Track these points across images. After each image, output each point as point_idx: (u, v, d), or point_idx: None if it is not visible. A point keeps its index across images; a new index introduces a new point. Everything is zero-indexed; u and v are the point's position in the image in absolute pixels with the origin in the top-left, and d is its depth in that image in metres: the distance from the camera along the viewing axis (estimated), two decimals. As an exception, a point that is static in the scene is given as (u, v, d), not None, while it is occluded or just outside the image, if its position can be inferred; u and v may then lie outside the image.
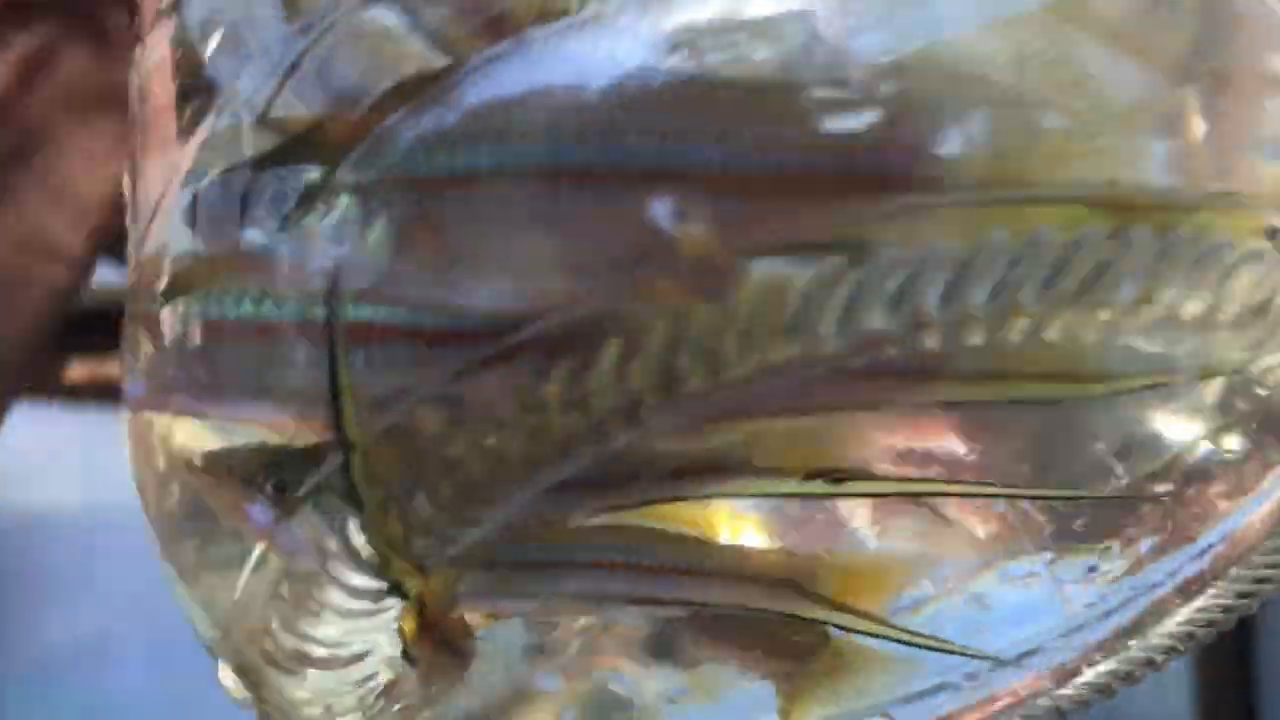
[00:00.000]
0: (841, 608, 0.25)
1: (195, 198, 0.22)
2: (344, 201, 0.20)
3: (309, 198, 0.20)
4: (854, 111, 0.18)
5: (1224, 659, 1.80)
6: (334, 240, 0.20)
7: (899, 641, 0.27)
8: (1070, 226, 0.18)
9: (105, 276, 1.78)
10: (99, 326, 1.95)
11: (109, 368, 2.39)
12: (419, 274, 0.19)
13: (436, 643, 0.23)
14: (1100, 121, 0.18)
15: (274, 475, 0.21)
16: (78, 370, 2.22)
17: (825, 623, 0.25)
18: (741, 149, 0.19)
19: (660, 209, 0.18)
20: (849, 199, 0.18)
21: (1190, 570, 0.28)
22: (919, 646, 0.27)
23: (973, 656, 0.27)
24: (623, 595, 0.25)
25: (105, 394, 2.47)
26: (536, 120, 0.19)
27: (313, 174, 0.20)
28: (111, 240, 1.42)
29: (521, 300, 0.19)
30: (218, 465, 0.23)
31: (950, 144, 0.18)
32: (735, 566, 0.25)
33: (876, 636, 0.27)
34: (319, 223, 0.20)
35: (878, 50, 0.18)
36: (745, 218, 0.18)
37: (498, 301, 0.19)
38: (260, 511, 0.22)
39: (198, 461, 0.23)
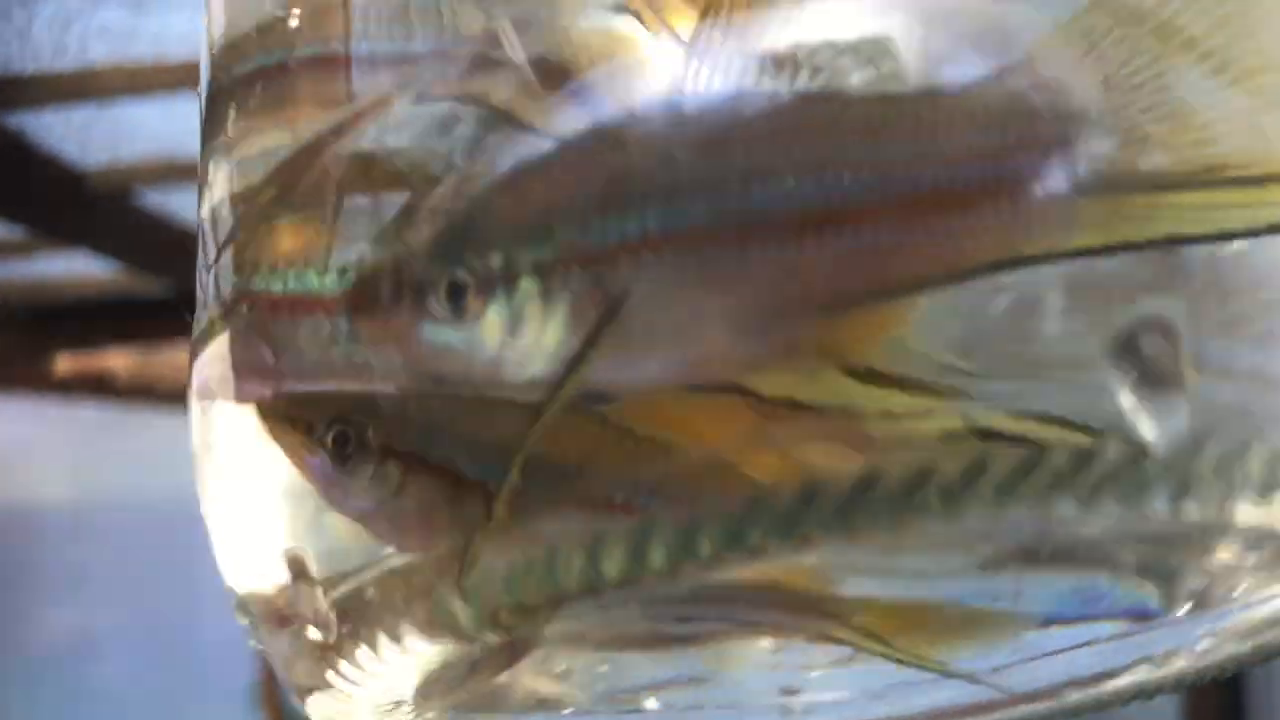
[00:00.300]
0: None
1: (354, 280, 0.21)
2: (524, 286, 0.20)
3: (487, 286, 0.20)
4: None
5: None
6: (512, 332, 0.20)
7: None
8: None
9: (89, 269, 1.77)
10: (86, 320, 1.94)
11: (97, 361, 2.39)
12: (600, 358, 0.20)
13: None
14: None
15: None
16: (65, 363, 2.22)
17: None
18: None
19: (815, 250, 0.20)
20: None
21: None
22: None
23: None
24: None
25: (94, 388, 2.47)
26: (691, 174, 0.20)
27: (493, 260, 0.20)
28: (89, 228, 1.41)
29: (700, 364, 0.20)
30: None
31: None
32: None
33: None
34: (500, 314, 0.20)
35: None
36: None
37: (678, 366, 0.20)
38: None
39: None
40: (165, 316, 2.10)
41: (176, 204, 1.51)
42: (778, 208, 0.20)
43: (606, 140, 0.20)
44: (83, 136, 1.32)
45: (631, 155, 0.20)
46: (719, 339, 0.20)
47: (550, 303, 0.20)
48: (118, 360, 2.54)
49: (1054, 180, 0.20)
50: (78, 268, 1.70)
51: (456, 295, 0.20)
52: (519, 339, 0.20)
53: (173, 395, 2.96)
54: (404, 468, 0.22)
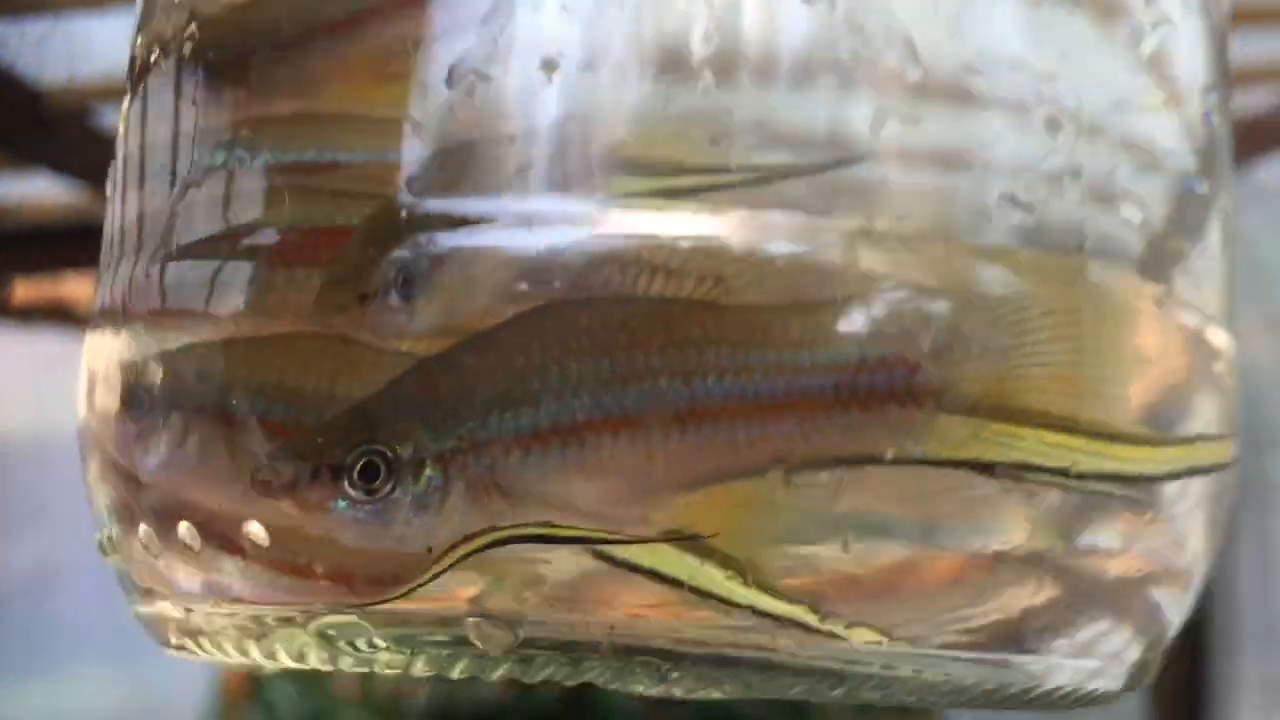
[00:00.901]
0: None
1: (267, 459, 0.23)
2: (429, 472, 0.23)
3: (395, 472, 0.23)
4: None
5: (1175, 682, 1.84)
6: (418, 509, 0.23)
7: None
8: None
9: (49, 192, 1.73)
10: (46, 246, 1.90)
11: (57, 289, 2.34)
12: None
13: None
14: None
15: None
16: (24, 291, 2.17)
17: None
18: None
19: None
20: None
21: None
22: None
23: None
24: None
25: (54, 316, 2.42)
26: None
27: (403, 449, 0.23)
28: (47, 148, 1.37)
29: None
30: None
31: None
32: None
33: None
34: (406, 495, 0.23)
35: None
36: None
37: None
38: None
39: None
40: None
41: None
42: (649, 406, 0.23)
43: (507, 339, 0.24)
44: (39, 52, 1.28)
45: (530, 355, 0.24)
46: (589, 513, 0.23)
47: (449, 487, 0.23)
48: (78, 288, 2.49)
49: (917, 395, 0.23)
50: (36, 190, 1.66)
51: (369, 476, 0.23)
52: (419, 517, 0.23)
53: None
54: None
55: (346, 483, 0.23)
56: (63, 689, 2.71)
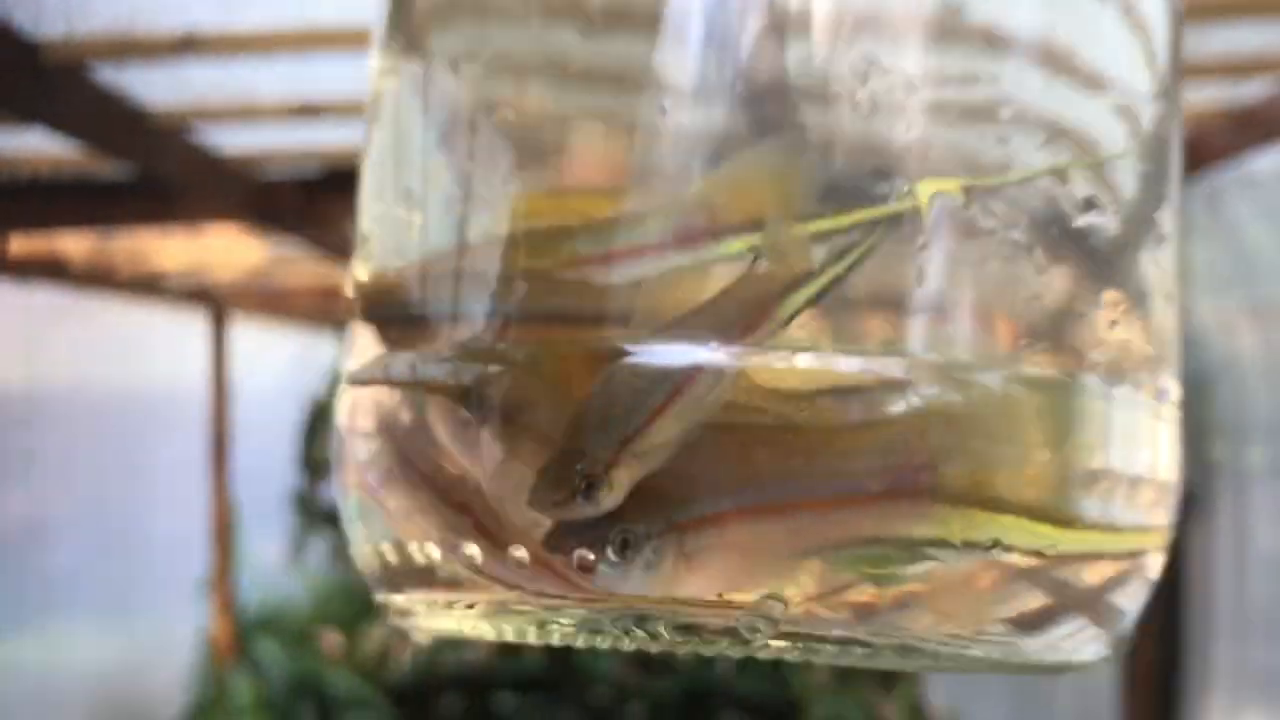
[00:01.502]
0: None
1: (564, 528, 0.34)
2: (650, 545, 0.33)
3: (633, 544, 0.33)
4: None
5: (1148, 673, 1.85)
6: (646, 572, 0.34)
7: None
8: None
9: (45, 147, 1.72)
10: (41, 200, 1.88)
11: (51, 244, 2.33)
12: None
13: None
14: None
15: None
16: (18, 245, 2.17)
17: None
18: None
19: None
20: None
21: None
22: None
23: None
24: None
25: (48, 271, 2.41)
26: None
27: (638, 530, 0.33)
28: (43, 102, 1.36)
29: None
30: None
31: None
32: None
33: None
34: (637, 560, 0.33)
35: None
36: None
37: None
38: None
39: None
40: (122, 200, 2.05)
41: (134, 81, 1.46)
42: (778, 499, 0.33)
43: (717, 441, 0.34)
44: (37, 5, 1.27)
45: (722, 457, 0.34)
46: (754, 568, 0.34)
47: (662, 554, 0.34)
48: (72, 243, 2.50)
49: (921, 490, 0.33)
50: (32, 144, 1.65)
51: (623, 547, 0.33)
52: (649, 574, 0.33)
53: (128, 282, 2.92)
54: None
55: (609, 550, 0.34)
56: (53, 643, 2.72)
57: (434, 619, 0.37)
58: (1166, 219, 0.38)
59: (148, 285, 2.84)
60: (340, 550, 4.43)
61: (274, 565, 3.95)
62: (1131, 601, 0.39)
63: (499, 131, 0.36)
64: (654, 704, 3.45)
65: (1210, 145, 1.81)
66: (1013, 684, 2.56)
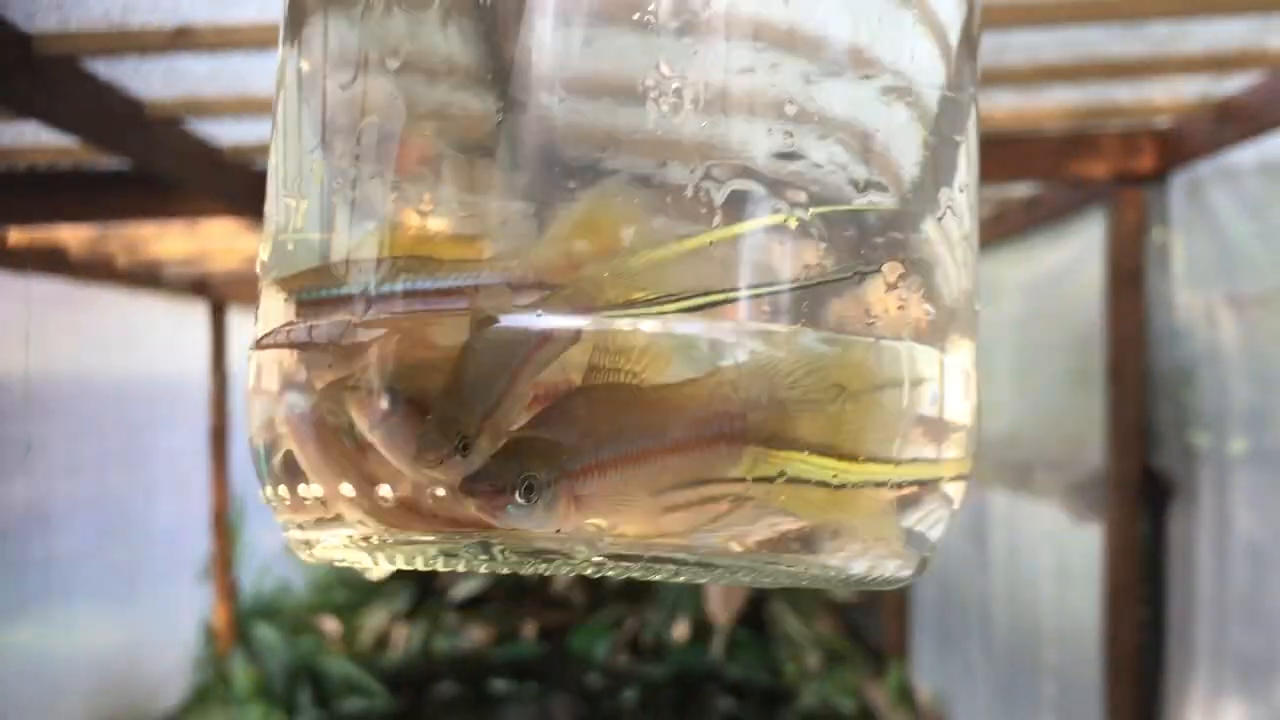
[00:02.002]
0: None
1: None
2: (549, 490, 0.40)
3: (537, 488, 0.40)
4: None
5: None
6: (546, 512, 0.40)
7: None
8: None
9: (42, 139, 1.72)
10: (39, 191, 1.89)
11: (50, 234, 2.35)
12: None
13: None
14: None
15: None
16: (17, 235, 2.19)
17: None
18: None
19: None
20: None
21: None
22: None
23: None
24: None
25: (46, 262, 2.42)
26: None
27: (540, 477, 0.40)
28: (37, 94, 1.38)
29: None
30: None
31: None
32: None
33: None
34: (540, 502, 0.40)
35: None
36: None
37: None
38: None
39: None
40: (120, 192, 2.06)
41: (128, 74, 1.49)
42: (639, 448, 0.40)
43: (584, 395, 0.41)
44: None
45: (598, 415, 0.40)
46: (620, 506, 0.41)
47: (558, 497, 0.39)
48: (71, 234, 2.52)
49: (734, 438, 0.40)
50: (30, 137, 1.67)
51: (528, 491, 0.39)
52: (548, 513, 0.39)
53: (125, 273, 2.94)
54: None
55: (516, 494, 0.39)
56: (54, 628, 2.74)
57: (327, 550, 0.41)
58: (953, 196, 0.42)
59: (146, 276, 2.86)
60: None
61: (274, 553, 3.97)
62: (929, 526, 0.44)
63: (357, 122, 0.40)
64: (646, 688, 3.49)
65: (1193, 138, 1.83)
66: (997, 670, 2.59)
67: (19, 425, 2.65)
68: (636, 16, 0.38)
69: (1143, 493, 1.87)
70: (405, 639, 3.73)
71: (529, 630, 3.68)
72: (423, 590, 3.87)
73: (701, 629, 3.54)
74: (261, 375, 0.42)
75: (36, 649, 2.68)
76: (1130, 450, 1.89)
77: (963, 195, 0.42)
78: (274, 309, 0.41)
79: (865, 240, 0.40)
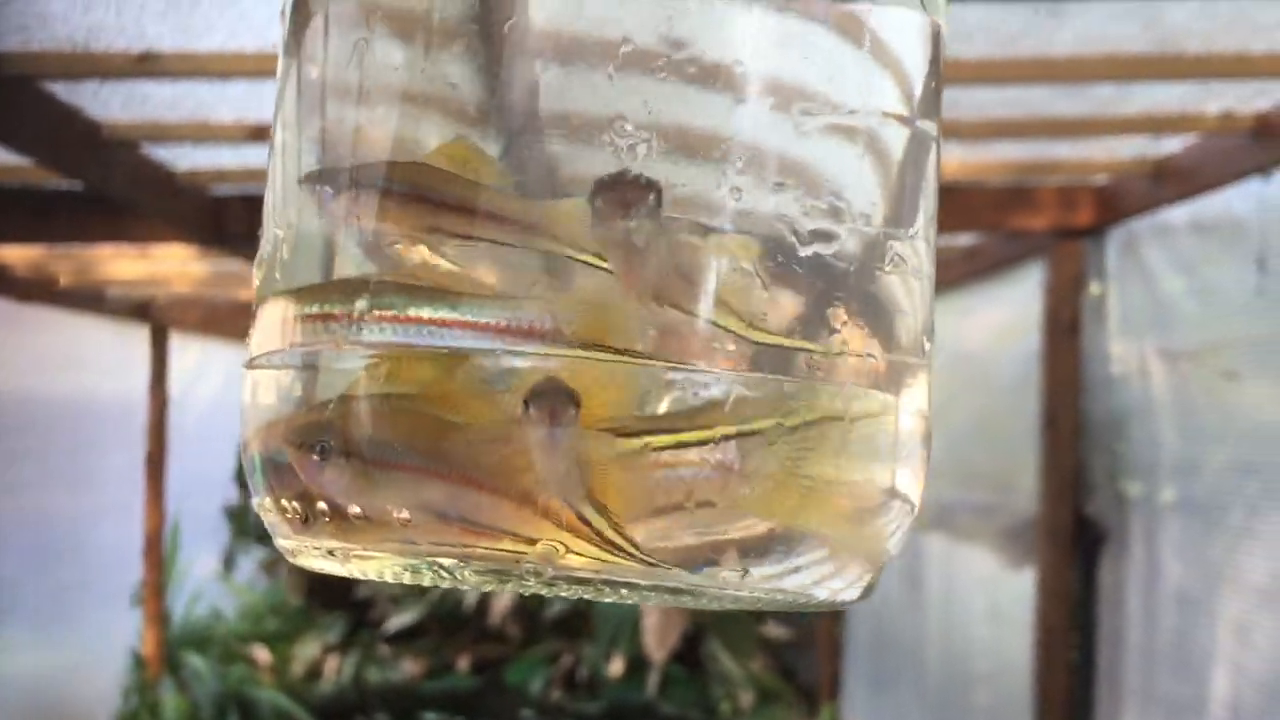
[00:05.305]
0: None
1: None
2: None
3: None
4: None
5: None
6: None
7: None
8: None
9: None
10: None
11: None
12: None
13: None
14: None
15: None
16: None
17: None
18: None
19: None
20: None
21: None
22: None
23: None
24: None
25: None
26: None
27: None
28: None
29: None
30: None
31: None
32: None
33: None
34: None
35: None
36: None
37: None
38: None
39: None
40: (72, 213, 2.04)
41: (88, 98, 1.49)
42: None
43: None
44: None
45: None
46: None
47: None
48: (17, 254, 2.49)
49: None
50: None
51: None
52: None
53: (72, 296, 2.91)
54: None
55: None
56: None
57: (311, 560, 0.42)
58: (900, 246, 0.41)
59: (90, 298, 2.83)
60: (271, 566, 4.40)
61: (206, 580, 3.92)
62: (891, 535, 0.42)
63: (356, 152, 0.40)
64: (581, 724, 3.48)
65: (1129, 196, 1.89)
66: (929, 711, 2.62)
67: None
68: (599, 58, 0.37)
69: (1075, 539, 1.92)
70: (337, 670, 3.69)
71: (463, 663, 3.66)
72: (356, 621, 3.84)
73: (637, 665, 3.53)
74: (258, 390, 0.43)
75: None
76: (1064, 497, 1.93)
77: (908, 247, 0.42)
78: (269, 324, 0.42)
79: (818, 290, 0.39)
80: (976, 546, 2.29)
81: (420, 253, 0.38)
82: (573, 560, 0.37)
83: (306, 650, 3.77)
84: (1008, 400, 2.15)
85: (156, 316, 3.17)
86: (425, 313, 0.38)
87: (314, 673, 3.73)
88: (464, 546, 0.38)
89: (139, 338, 3.16)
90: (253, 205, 1.99)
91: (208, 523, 4.00)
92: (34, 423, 2.76)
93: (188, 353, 3.53)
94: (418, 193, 0.38)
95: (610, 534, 0.37)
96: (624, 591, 0.40)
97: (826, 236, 0.38)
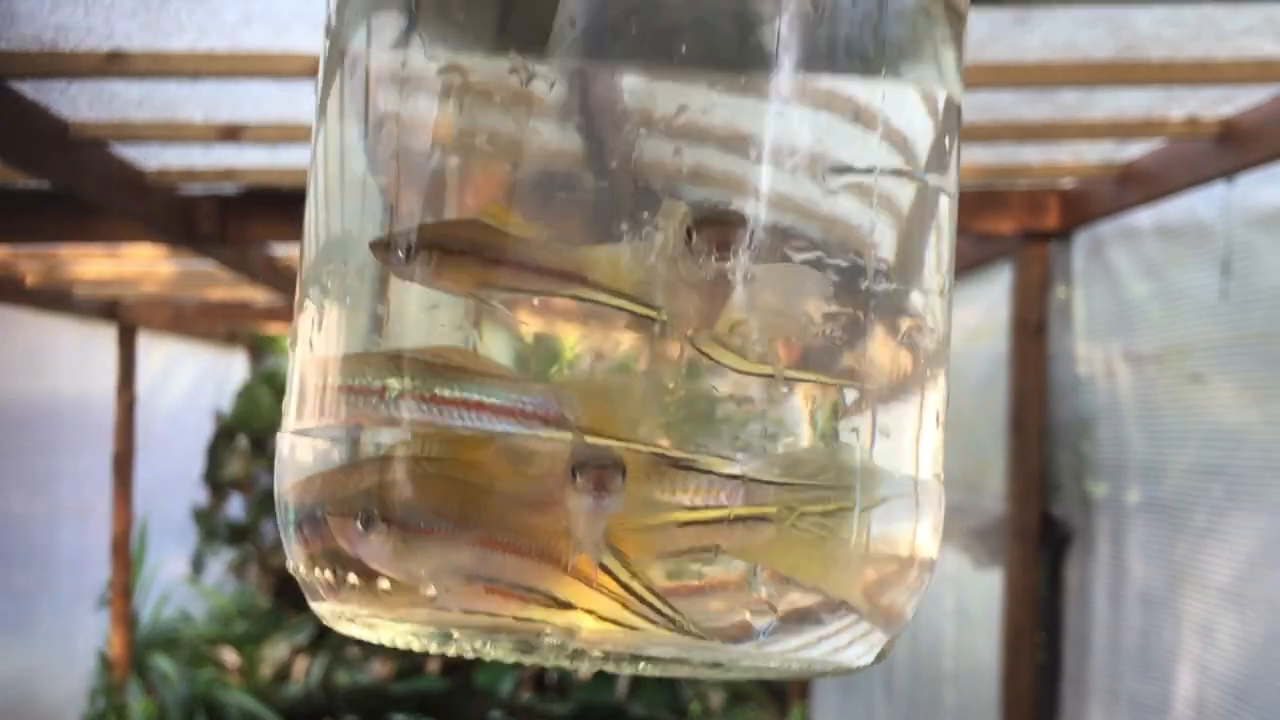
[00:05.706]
0: None
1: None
2: None
3: None
4: None
5: None
6: None
7: None
8: None
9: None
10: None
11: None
12: None
13: None
14: None
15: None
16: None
17: None
18: None
19: None
20: None
21: None
22: None
23: None
24: None
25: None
26: None
27: None
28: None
29: None
30: None
31: None
32: None
33: None
34: None
35: None
36: None
37: None
38: None
39: None
40: (37, 211, 2.03)
41: (56, 96, 1.48)
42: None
43: None
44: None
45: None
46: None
47: None
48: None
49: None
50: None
51: None
52: None
53: (39, 295, 2.89)
54: None
55: None
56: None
57: (347, 627, 0.42)
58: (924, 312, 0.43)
59: (56, 298, 2.81)
60: (239, 566, 4.38)
61: (174, 582, 3.90)
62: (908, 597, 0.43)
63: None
64: (551, 726, 3.48)
65: (1095, 199, 1.91)
66: (898, 710, 2.63)
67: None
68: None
69: (1042, 539, 1.93)
70: (305, 672, 3.68)
71: (432, 665, 3.65)
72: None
73: (606, 666, 3.54)
74: (296, 450, 0.42)
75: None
76: (1030, 498, 1.95)
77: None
78: (310, 386, 0.42)
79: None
80: (944, 546, 2.30)
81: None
82: (606, 629, 0.38)
83: (275, 652, 3.75)
84: (975, 401, 2.16)
85: (124, 316, 3.15)
86: (449, 393, 0.38)
87: (282, 674, 3.71)
88: (493, 616, 0.38)
89: (106, 337, 3.14)
90: (222, 205, 1.98)
91: (176, 524, 3.97)
92: None
93: (155, 353, 3.51)
94: (476, 250, 0.39)
95: (652, 599, 0.37)
96: (643, 665, 0.40)
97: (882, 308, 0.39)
